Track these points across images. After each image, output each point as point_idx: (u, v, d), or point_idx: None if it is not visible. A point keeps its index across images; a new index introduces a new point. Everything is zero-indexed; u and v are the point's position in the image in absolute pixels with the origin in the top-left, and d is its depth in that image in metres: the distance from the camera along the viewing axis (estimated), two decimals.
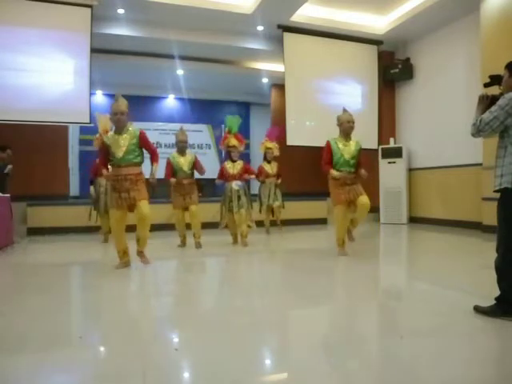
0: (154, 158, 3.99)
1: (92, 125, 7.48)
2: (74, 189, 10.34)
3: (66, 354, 1.95)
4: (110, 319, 2.48)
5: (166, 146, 11.36)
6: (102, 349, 2.08)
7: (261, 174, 6.50)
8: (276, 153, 6.71)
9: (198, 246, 5.15)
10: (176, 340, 2.19)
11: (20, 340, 2.07)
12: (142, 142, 3.90)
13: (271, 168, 6.61)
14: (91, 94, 7.23)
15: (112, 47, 7.93)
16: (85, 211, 6.22)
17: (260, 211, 6.52)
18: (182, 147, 5.19)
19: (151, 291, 3.32)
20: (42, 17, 6.64)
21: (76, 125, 9.24)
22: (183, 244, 5.31)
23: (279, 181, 6.61)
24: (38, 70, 6.67)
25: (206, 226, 6.24)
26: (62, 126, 7.64)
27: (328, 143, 4.37)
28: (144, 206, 3.79)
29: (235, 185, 5.26)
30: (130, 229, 4.01)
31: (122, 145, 3.79)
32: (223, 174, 5.37)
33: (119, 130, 3.85)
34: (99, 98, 11.35)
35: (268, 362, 1.92)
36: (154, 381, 1.65)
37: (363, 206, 4.21)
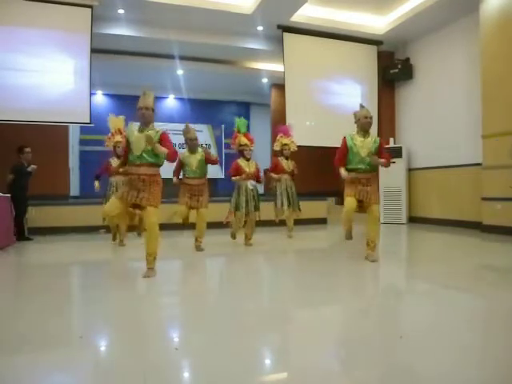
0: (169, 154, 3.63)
1: (92, 125, 7.50)
2: (75, 189, 10.34)
3: (65, 354, 1.95)
4: (110, 319, 2.49)
5: None
6: (102, 348, 2.09)
7: (276, 169, 6.26)
8: (294, 148, 6.37)
9: (199, 249, 5.02)
10: (176, 340, 2.19)
11: (20, 339, 2.08)
12: (163, 143, 3.62)
13: (287, 164, 6.28)
14: (91, 94, 7.24)
15: (112, 47, 7.95)
16: (91, 211, 6.22)
17: (276, 213, 6.20)
18: (192, 145, 5.02)
19: (152, 291, 3.32)
20: (42, 17, 6.65)
21: (76, 125, 9.25)
22: (185, 223, 5.15)
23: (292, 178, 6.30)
24: (38, 70, 6.68)
25: (209, 225, 6.23)
26: (62, 126, 7.65)
27: (344, 139, 4.17)
28: (150, 213, 3.52)
29: (250, 184, 5.18)
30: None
31: (142, 143, 3.53)
32: (239, 172, 5.21)
33: (143, 126, 3.66)
34: (99, 98, 11.35)
35: (268, 361, 1.93)
36: (154, 381, 1.65)
37: (371, 216, 4.08)
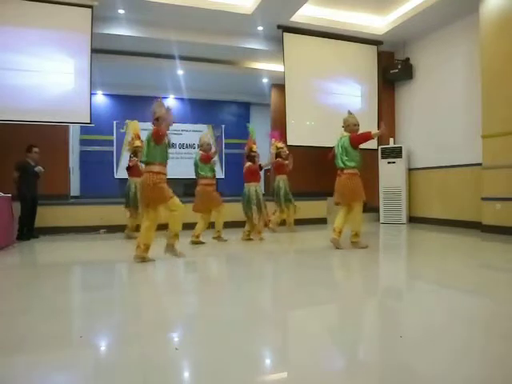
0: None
1: (93, 125, 7.51)
2: (75, 189, 10.36)
3: (65, 354, 1.95)
4: (110, 319, 2.50)
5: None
6: (102, 348, 2.09)
7: (281, 169, 6.85)
8: (285, 152, 6.95)
9: (222, 239, 5.61)
10: (176, 340, 2.20)
11: (20, 339, 2.08)
12: None
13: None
14: (92, 94, 7.25)
15: (112, 47, 7.96)
16: (91, 211, 6.31)
17: (279, 209, 6.83)
18: (206, 150, 5.54)
19: (152, 291, 3.33)
20: (42, 17, 6.66)
21: (76, 125, 9.27)
22: (195, 243, 5.47)
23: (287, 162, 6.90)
24: (38, 70, 6.69)
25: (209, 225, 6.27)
26: (62, 126, 7.65)
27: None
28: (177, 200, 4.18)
29: (258, 187, 5.85)
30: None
31: (167, 146, 4.21)
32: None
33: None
34: (99, 98, 11.36)
35: (268, 361, 1.93)
36: (154, 381, 1.66)
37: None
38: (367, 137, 4.77)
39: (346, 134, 4.85)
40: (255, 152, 5.91)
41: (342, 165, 4.80)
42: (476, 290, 3.07)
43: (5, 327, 2.29)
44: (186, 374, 1.78)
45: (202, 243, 5.47)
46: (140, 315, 2.61)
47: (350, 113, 4.91)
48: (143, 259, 4.10)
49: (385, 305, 2.82)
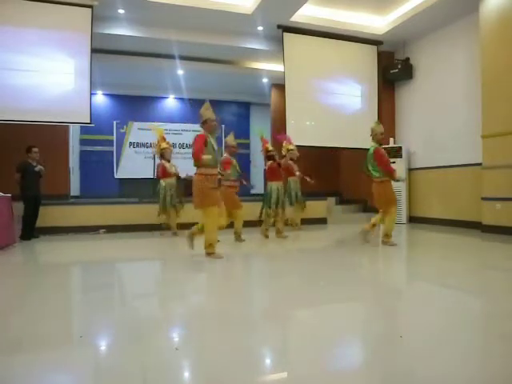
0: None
1: (93, 125, 7.50)
2: (75, 189, 10.35)
3: (66, 354, 1.95)
4: (110, 319, 2.49)
5: None
6: (102, 348, 2.09)
7: (290, 171, 6.88)
8: (296, 153, 6.95)
9: (241, 239, 5.64)
10: (176, 340, 2.19)
11: (20, 339, 2.08)
12: None
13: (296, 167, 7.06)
14: (92, 94, 7.24)
15: (112, 47, 7.96)
16: (91, 211, 6.37)
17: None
18: (233, 153, 5.65)
19: (152, 291, 3.33)
20: (42, 17, 6.66)
21: (77, 125, 9.26)
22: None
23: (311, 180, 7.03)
24: (38, 70, 6.69)
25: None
26: (62, 126, 7.66)
27: (381, 149, 5.02)
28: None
29: (281, 186, 6.02)
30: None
31: (216, 148, 4.28)
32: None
33: (214, 134, 4.38)
34: (99, 98, 11.35)
35: (268, 361, 1.93)
36: (154, 381, 1.66)
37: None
38: (388, 170, 4.94)
39: (373, 144, 5.03)
40: (271, 151, 6.04)
41: (369, 172, 5.08)
42: (476, 290, 3.07)
43: (5, 326, 2.29)
44: (186, 375, 1.78)
45: (217, 241, 5.52)
46: (139, 315, 2.61)
47: (377, 122, 5.17)
48: (211, 255, 4.35)
49: (385, 305, 2.81)
